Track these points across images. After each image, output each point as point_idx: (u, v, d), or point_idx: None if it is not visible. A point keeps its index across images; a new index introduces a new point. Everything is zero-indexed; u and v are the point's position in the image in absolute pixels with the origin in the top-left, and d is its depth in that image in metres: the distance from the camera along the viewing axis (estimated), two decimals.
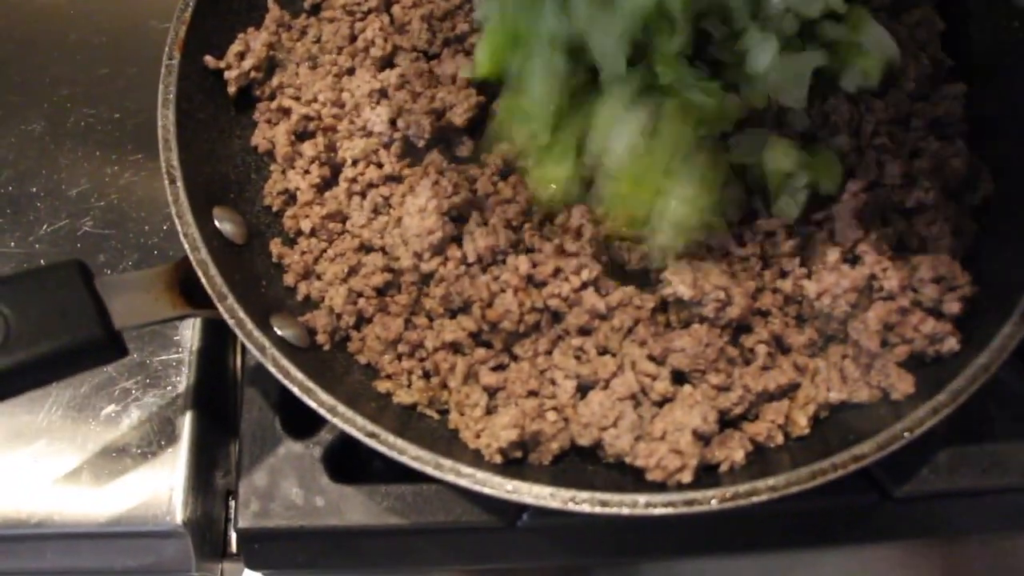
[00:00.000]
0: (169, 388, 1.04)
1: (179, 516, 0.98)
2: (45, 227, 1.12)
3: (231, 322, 0.89)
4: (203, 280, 0.90)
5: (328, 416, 0.86)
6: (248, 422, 1.01)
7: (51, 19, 1.25)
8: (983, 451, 0.99)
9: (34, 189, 1.14)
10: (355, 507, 0.96)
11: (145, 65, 1.21)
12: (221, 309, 0.89)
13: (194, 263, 0.91)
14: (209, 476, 1.03)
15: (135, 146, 1.16)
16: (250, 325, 0.89)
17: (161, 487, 0.99)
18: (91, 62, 1.22)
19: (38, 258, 1.10)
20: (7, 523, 0.98)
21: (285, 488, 0.97)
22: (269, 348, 0.88)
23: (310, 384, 0.86)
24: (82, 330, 0.85)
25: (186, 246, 0.91)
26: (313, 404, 0.86)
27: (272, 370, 0.87)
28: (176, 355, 1.05)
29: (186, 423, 1.02)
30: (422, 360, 0.96)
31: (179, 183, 0.94)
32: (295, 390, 0.87)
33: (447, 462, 0.84)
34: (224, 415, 1.06)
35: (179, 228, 0.92)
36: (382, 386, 0.95)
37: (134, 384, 1.04)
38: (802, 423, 0.91)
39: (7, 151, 1.16)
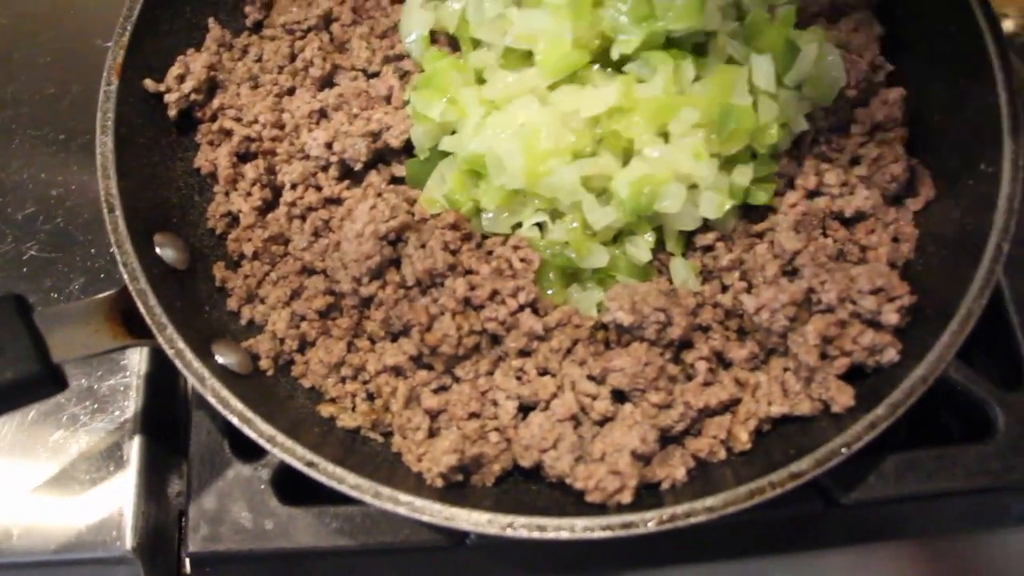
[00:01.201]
0: (117, 413, 1.04)
1: (128, 542, 0.98)
2: None
3: (170, 352, 0.89)
4: (142, 310, 0.90)
5: (267, 446, 0.86)
6: (197, 446, 1.01)
7: None
8: (929, 455, 1.00)
9: None
10: (304, 529, 0.96)
11: (90, 84, 1.17)
12: (160, 339, 0.89)
13: (133, 293, 0.91)
14: (160, 500, 1.03)
15: (80, 167, 1.16)
16: (189, 355, 0.89)
17: (111, 513, 0.99)
18: (36, 82, 1.21)
19: None
20: None
21: (235, 511, 0.97)
22: (208, 379, 0.88)
23: (249, 414, 0.87)
24: (19, 365, 0.85)
25: (125, 276, 0.91)
26: (252, 434, 0.86)
27: (212, 400, 0.87)
28: (124, 380, 1.05)
29: (135, 448, 1.02)
30: (365, 383, 0.96)
31: (118, 212, 0.94)
32: (234, 420, 0.87)
33: (385, 490, 0.84)
34: (174, 438, 1.06)
35: (118, 258, 0.92)
36: (326, 410, 0.95)
37: (82, 410, 1.04)
38: (743, 439, 0.91)
39: None
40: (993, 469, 0.99)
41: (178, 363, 0.89)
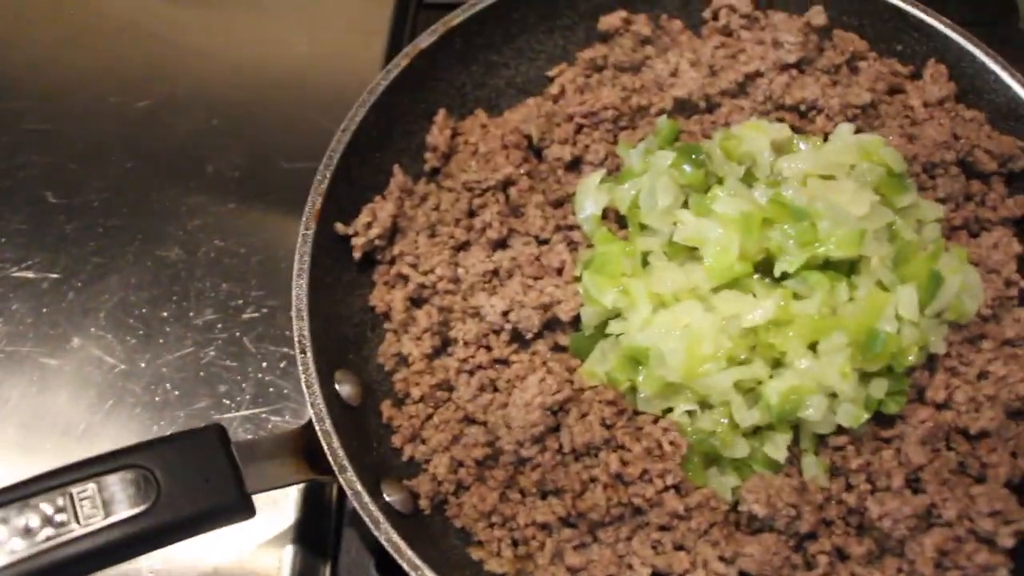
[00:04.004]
0: (275, 524, 1.14)
1: None
2: (173, 352, 1.22)
3: (349, 493, 0.98)
4: (327, 451, 0.99)
5: None
6: (345, 562, 1.12)
7: (193, 150, 1.35)
8: None
9: (165, 314, 1.25)
10: None
11: (270, 203, 1.31)
12: (341, 481, 0.98)
13: (320, 434, 1.00)
14: None
15: (258, 281, 1.26)
16: (367, 498, 0.98)
17: None
18: (224, 195, 1.32)
19: (164, 381, 1.21)
20: None
21: None
22: (383, 523, 0.97)
23: (418, 561, 0.95)
24: (221, 495, 0.95)
25: (312, 416, 1.01)
26: None
27: (386, 545, 0.96)
28: (283, 491, 1.15)
29: (288, 556, 1.12)
30: (512, 530, 1.05)
31: (309, 353, 1.03)
32: (404, 565, 0.96)
33: None
34: (322, 548, 1.15)
35: (307, 398, 1.01)
36: (476, 554, 1.04)
37: None
38: None
39: (144, 273, 1.27)
40: None
41: (356, 504, 0.98)
